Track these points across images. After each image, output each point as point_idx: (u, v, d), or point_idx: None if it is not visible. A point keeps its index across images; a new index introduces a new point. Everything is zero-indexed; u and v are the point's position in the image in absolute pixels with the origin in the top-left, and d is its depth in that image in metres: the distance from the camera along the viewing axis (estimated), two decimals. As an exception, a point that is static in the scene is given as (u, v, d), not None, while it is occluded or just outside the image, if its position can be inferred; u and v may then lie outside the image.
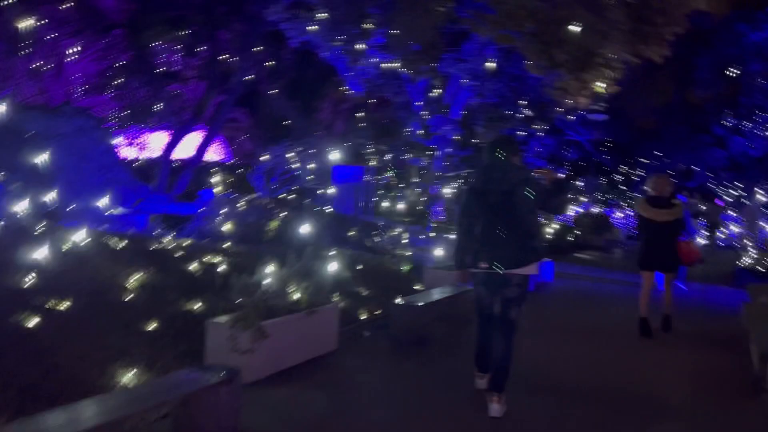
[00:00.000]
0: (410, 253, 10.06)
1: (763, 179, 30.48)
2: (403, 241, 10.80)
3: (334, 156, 16.26)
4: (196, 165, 16.92)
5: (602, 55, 7.24)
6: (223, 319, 4.66)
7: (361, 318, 6.76)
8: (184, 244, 7.46)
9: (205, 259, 6.70)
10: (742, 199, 27.41)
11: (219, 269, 6.40)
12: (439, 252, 9.23)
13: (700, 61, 22.27)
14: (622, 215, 26.21)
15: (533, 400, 4.74)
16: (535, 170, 5.93)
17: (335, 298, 6.38)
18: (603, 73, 7.48)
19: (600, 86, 7.93)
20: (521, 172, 4.48)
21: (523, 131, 20.92)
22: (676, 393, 5.21)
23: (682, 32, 7.70)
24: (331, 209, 12.92)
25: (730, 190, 30.26)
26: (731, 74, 20.98)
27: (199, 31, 17.04)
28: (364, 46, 13.16)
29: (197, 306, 5.43)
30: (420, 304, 6.32)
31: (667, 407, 4.85)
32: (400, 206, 19.98)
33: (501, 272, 4.31)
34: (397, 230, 11.62)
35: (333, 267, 6.65)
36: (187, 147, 17.16)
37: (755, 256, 13.22)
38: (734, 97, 23.54)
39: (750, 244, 15.49)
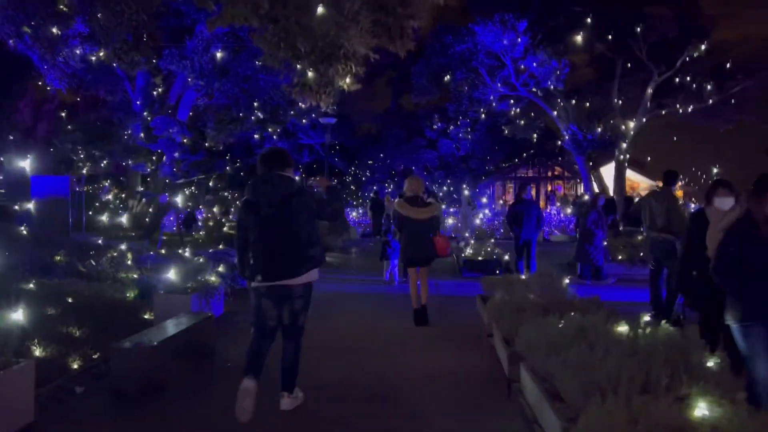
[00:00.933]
0: (136, 276, 8.59)
1: (468, 177, 34.96)
2: (128, 262, 9.24)
3: (33, 164, 13.58)
4: None
5: (346, 47, 6.89)
6: None
7: (72, 368, 5.33)
8: None
9: None
10: (455, 195, 30.66)
11: None
12: (172, 273, 7.98)
13: (415, 68, 24.05)
14: (356, 215, 27.23)
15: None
16: (309, 179, 5.82)
17: (34, 349, 4.88)
18: (347, 67, 7.16)
19: (345, 82, 7.60)
20: (293, 182, 4.55)
21: (256, 134, 20.30)
22: (433, 399, 5.01)
23: (425, 26, 8.02)
24: (29, 229, 10.64)
25: (444, 187, 33.95)
26: (442, 82, 23.03)
27: None
28: (57, 31, 11.05)
29: None
30: (149, 341, 5.17)
31: (423, 416, 4.60)
32: (123, 220, 17.78)
33: (282, 284, 4.40)
34: (120, 249, 9.95)
35: (24, 307, 5.11)
36: None
37: (471, 248, 14.43)
38: (444, 103, 26.02)
39: (466, 235, 17.05)
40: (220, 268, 9.12)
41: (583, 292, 7.41)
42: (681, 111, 22.69)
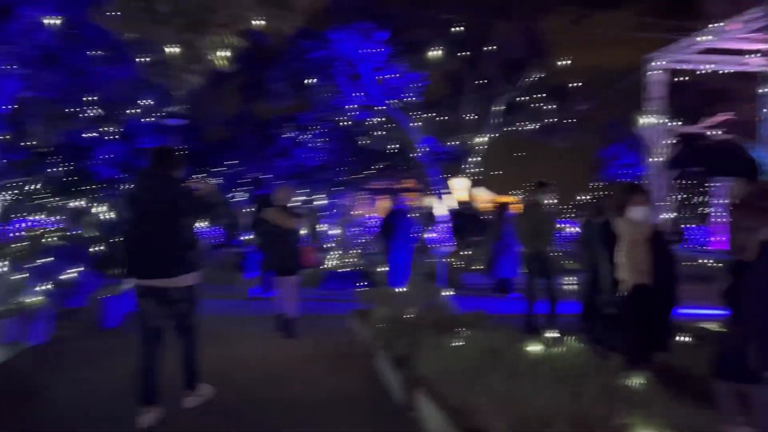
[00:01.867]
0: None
1: (323, 187, 34.45)
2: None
3: None
4: None
5: (223, 14, 5.94)
6: None
7: None
8: None
9: None
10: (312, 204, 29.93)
11: None
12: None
13: (271, 73, 23.09)
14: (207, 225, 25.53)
15: None
16: (192, 181, 5.07)
17: None
18: (222, 39, 6.19)
19: (219, 57, 6.59)
20: (176, 182, 4.42)
21: (92, 133, 18.13)
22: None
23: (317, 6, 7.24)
24: None
25: (300, 196, 33.10)
26: (300, 88, 22.29)
27: None
28: None
29: None
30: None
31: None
32: None
33: (159, 285, 4.35)
34: None
35: None
36: None
37: (336, 259, 13.88)
38: (303, 109, 25.25)
39: (331, 246, 16.45)
40: (48, 286, 7.65)
41: (463, 305, 7.11)
42: (525, 128, 23.95)
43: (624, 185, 5.34)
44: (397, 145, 26.38)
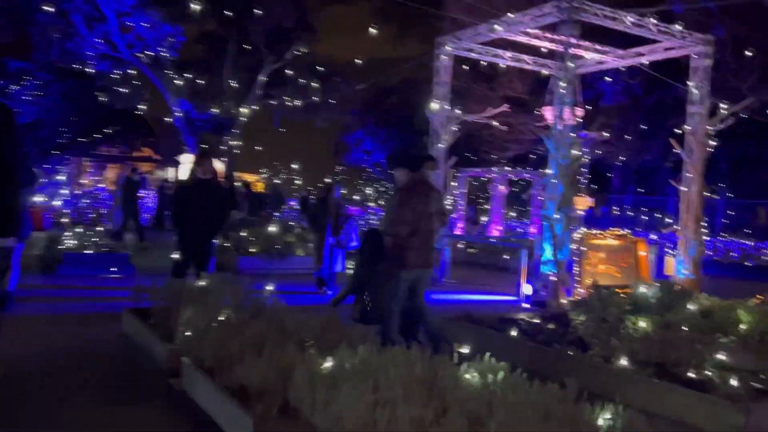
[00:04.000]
0: None
1: (36, 149, 28.86)
2: None
3: None
4: None
5: None
6: None
7: None
8: None
9: None
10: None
11: None
12: None
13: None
14: None
15: None
16: None
17: None
18: None
19: None
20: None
21: None
22: None
23: None
24: None
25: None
26: (23, 22, 17.92)
27: None
28: None
29: None
30: None
31: None
32: None
33: None
34: None
35: None
36: None
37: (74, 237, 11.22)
38: (21, 51, 20.51)
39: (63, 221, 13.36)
40: None
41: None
42: (289, 104, 22.92)
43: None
44: (143, 107, 23.20)
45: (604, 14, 9.44)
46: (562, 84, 9.12)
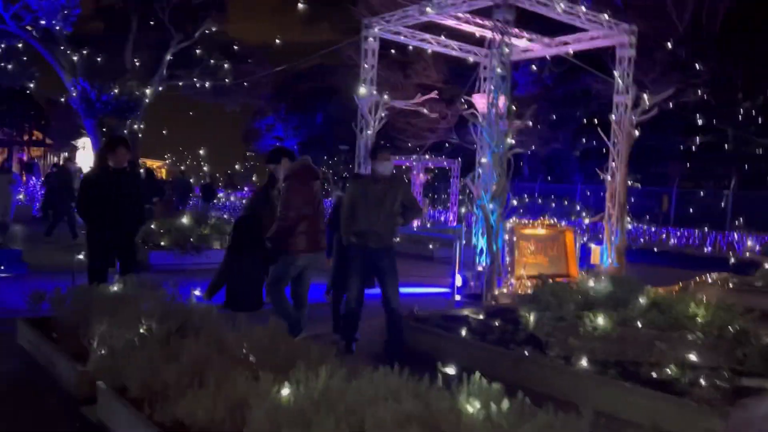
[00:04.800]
0: None
1: None
2: None
3: None
4: None
5: None
6: None
7: None
8: None
9: None
10: None
11: None
12: None
13: None
14: None
15: None
16: None
17: None
18: None
19: None
20: None
21: None
22: None
23: None
24: None
25: None
26: None
27: None
28: None
29: None
30: None
31: None
32: None
33: None
34: None
35: None
36: None
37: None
38: None
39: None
40: None
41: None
42: (198, 86, 21.62)
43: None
44: (32, 85, 21.07)
45: (537, 0, 9.25)
46: (498, 71, 8.84)
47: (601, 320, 5.06)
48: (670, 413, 3.97)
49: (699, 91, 21.77)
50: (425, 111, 12.50)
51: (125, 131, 19.77)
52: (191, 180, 23.63)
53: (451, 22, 10.49)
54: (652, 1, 21.37)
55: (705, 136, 24.29)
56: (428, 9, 9.97)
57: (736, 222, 23.77)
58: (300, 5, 29.85)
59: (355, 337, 5.83)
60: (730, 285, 10.13)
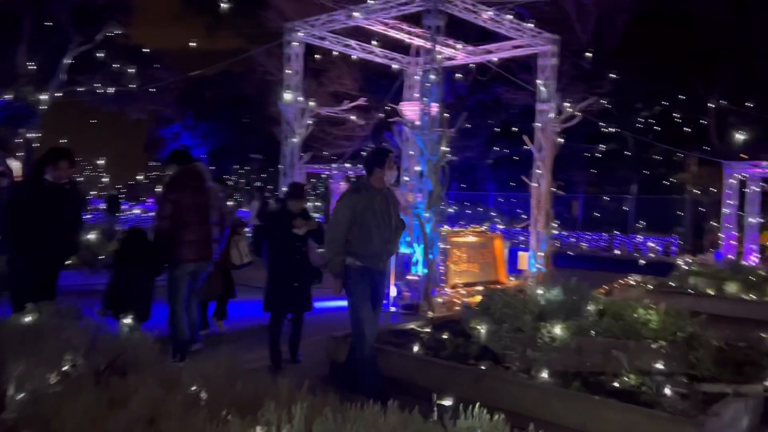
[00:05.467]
0: None
1: None
2: None
3: None
4: None
5: None
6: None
7: None
8: None
9: None
10: None
11: None
12: None
13: None
14: None
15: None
16: None
17: None
18: None
19: None
20: None
21: None
22: None
23: None
24: None
25: None
26: None
27: None
28: None
29: None
30: None
31: None
32: None
33: None
34: None
35: None
36: None
37: None
38: None
39: None
40: None
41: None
42: (100, 92, 20.26)
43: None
44: None
45: (465, 7, 9.23)
46: (432, 77, 8.72)
47: (558, 330, 4.97)
48: (642, 426, 3.89)
49: (601, 101, 22.87)
50: (353, 118, 12.24)
51: (18, 141, 18.14)
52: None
53: (379, 28, 10.31)
54: (559, 15, 22.22)
55: (608, 144, 25.53)
56: (356, 14, 9.73)
57: (638, 225, 25.22)
58: (202, 13, 28.80)
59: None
60: (650, 287, 10.55)
